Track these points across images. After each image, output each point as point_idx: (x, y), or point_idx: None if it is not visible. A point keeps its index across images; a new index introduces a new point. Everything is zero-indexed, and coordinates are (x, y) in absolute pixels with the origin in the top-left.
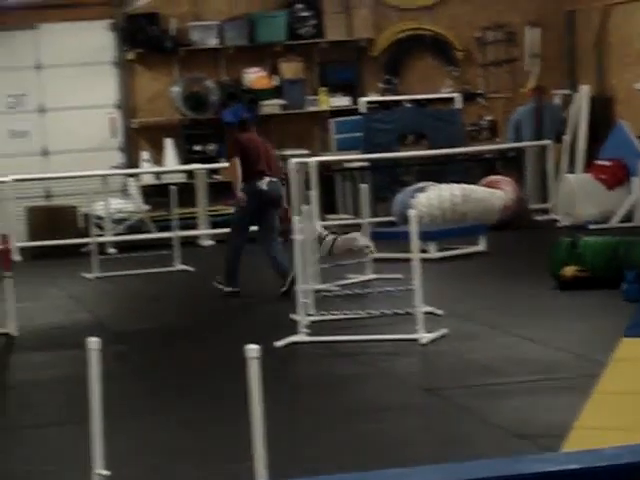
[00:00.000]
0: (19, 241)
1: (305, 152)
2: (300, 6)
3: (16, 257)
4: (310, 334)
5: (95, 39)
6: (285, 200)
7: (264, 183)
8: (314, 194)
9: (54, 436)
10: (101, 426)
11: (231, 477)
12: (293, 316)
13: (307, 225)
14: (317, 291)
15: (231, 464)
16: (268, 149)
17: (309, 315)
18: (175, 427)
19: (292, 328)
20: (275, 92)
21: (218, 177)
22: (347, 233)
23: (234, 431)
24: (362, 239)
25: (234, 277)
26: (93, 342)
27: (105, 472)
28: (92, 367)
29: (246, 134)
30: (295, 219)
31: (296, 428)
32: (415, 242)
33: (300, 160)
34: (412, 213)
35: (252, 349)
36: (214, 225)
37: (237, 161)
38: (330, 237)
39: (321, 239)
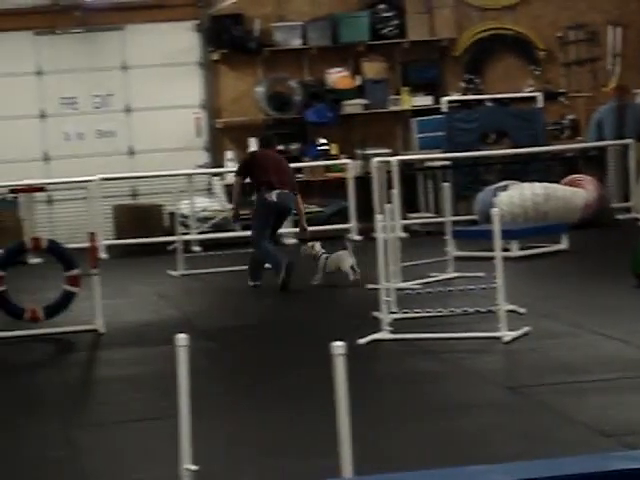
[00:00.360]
0: (106, 239)
1: (387, 151)
2: (383, 6)
3: (103, 255)
4: (393, 332)
5: (180, 40)
6: (298, 210)
7: (273, 195)
8: (396, 193)
9: (143, 431)
10: (189, 422)
11: (317, 472)
12: (376, 314)
13: (389, 223)
14: (399, 289)
15: (317, 459)
16: (282, 164)
17: (392, 313)
18: (262, 423)
19: (375, 326)
20: (357, 92)
21: (301, 176)
22: (337, 251)
23: (319, 427)
24: (348, 259)
25: (278, 260)
26: (182, 339)
27: (193, 467)
28: (180, 363)
29: (262, 151)
30: (378, 217)
31: (380, 424)
32: (498, 240)
33: (382, 159)
34: (495, 212)
35: (338, 346)
36: (296, 223)
37: (238, 180)
38: (323, 256)
39: (316, 258)
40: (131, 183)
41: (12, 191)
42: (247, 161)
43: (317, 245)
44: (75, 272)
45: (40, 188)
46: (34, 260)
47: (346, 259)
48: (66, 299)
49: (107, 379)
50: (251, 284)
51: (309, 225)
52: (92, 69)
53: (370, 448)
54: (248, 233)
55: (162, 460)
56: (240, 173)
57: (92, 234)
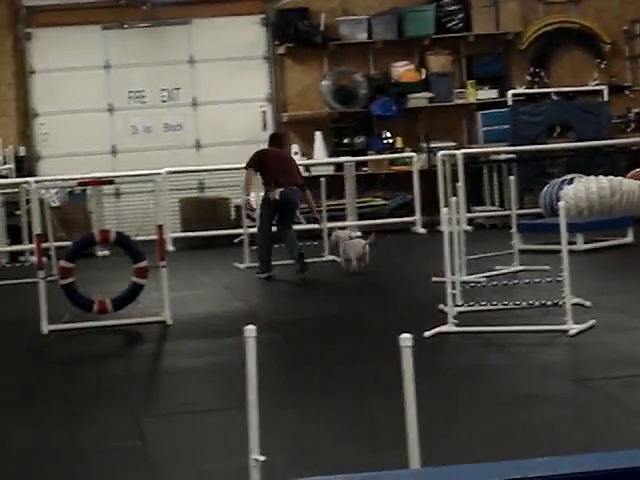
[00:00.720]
0: (173, 232)
1: (452, 144)
2: (448, 0)
3: (170, 247)
4: (458, 324)
5: (247, 34)
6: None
7: (276, 193)
8: (461, 186)
9: (210, 422)
10: (257, 413)
11: (384, 462)
12: (441, 307)
13: (454, 217)
14: (465, 282)
15: (384, 450)
16: (290, 164)
17: (457, 306)
18: (328, 414)
19: (440, 318)
20: (423, 85)
21: (366, 169)
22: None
23: (386, 419)
24: (359, 248)
25: (267, 264)
26: (250, 330)
27: (261, 458)
28: (249, 355)
29: (273, 150)
30: (443, 210)
31: (446, 416)
32: (564, 234)
33: (447, 152)
34: (561, 205)
35: (406, 338)
36: (362, 216)
37: (251, 172)
38: (343, 242)
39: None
40: (198, 176)
41: (80, 184)
42: (260, 156)
43: (342, 232)
44: (143, 264)
45: (108, 181)
46: (102, 252)
47: (356, 247)
48: (134, 291)
49: (174, 370)
50: (263, 277)
51: (374, 218)
52: (159, 63)
53: (437, 439)
54: (313, 226)
55: (229, 450)
56: (252, 165)
57: (160, 227)
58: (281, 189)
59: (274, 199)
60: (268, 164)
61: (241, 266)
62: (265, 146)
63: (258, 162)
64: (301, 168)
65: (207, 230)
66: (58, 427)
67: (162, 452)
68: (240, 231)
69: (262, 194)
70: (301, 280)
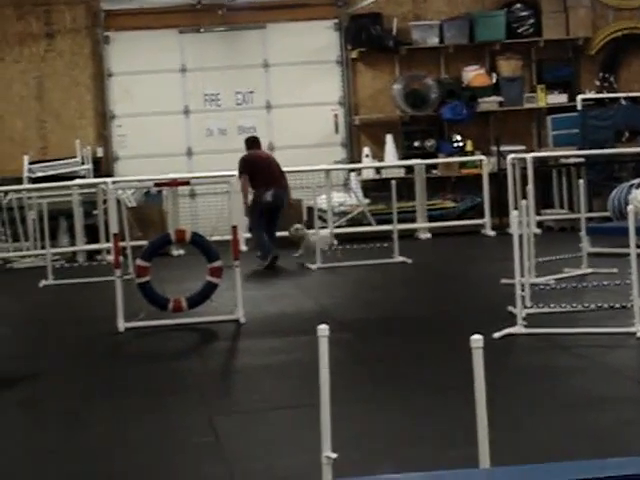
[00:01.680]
0: (246, 232)
1: (522, 148)
2: (519, 6)
3: (243, 247)
4: (527, 326)
5: (320, 38)
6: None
7: (269, 195)
8: (531, 189)
9: (283, 419)
10: (330, 411)
11: (454, 462)
12: (510, 308)
13: (524, 219)
14: (534, 284)
15: (454, 450)
16: (273, 164)
17: (526, 308)
18: (399, 413)
19: (509, 320)
20: (493, 89)
21: (436, 172)
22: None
23: (456, 418)
24: (327, 239)
25: (267, 250)
26: (322, 329)
27: (333, 455)
28: (322, 353)
29: (253, 152)
30: (513, 213)
31: (515, 417)
32: (632, 237)
33: (517, 156)
34: (630, 208)
35: (476, 339)
36: (431, 218)
37: (246, 178)
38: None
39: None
40: None
41: (157, 185)
42: (250, 161)
43: (299, 226)
44: (217, 264)
45: (185, 182)
46: (177, 252)
47: (325, 238)
48: (208, 290)
49: (248, 368)
50: (267, 263)
51: (443, 220)
52: (234, 66)
53: (506, 439)
54: (383, 227)
55: (302, 447)
56: (245, 172)
57: (234, 227)
58: (272, 191)
59: (266, 201)
60: (258, 168)
61: (312, 266)
62: (341, 148)
63: (250, 167)
64: (372, 171)
65: (279, 231)
66: (134, 423)
67: (236, 448)
68: (312, 232)
69: (252, 197)
70: (371, 281)
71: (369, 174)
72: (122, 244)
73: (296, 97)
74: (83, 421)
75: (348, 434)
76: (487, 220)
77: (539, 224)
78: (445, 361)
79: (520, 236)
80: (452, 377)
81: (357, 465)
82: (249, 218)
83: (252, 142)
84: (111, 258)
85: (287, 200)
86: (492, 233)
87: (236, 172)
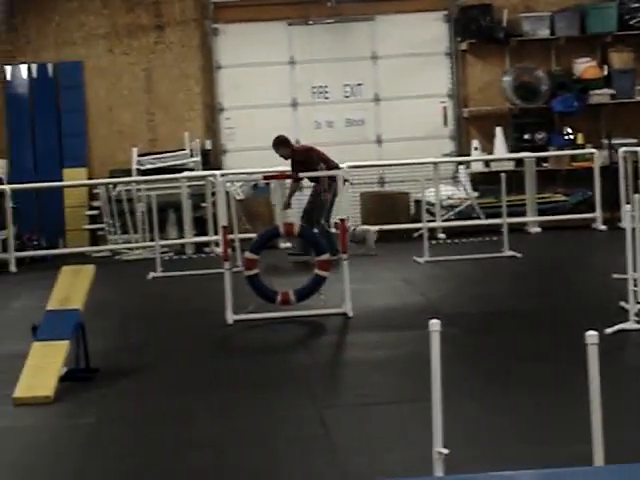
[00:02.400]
0: (354, 226)
1: (634, 141)
2: None
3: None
4: None
5: (429, 30)
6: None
7: (333, 188)
8: None
9: (391, 414)
10: (441, 406)
11: (568, 459)
12: (622, 304)
13: (637, 214)
14: None
15: (566, 448)
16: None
17: (639, 303)
18: (509, 410)
19: (621, 316)
20: (605, 82)
21: (547, 165)
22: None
23: (568, 415)
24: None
25: (306, 249)
26: (434, 324)
27: (445, 450)
28: (433, 348)
29: (302, 146)
30: (625, 207)
31: (630, 414)
32: None
33: (629, 149)
34: None
35: (592, 335)
36: (541, 212)
37: (296, 176)
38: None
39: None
40: (378, 171)
41: (266, 178)
42: (304, 159)
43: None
44: (325, 257)
45: (293, 175)
46: (285, 244)
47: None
48: (316, 283)
49: (356, 361)
50: (304, 259)
51: (554, 214)
52: (342, 59)
53: (619, 437)
54: (493, 221)
55: (411, 442)
56: (297, 169)
57: (342, 220)
58: (333, 183)
59: (333, 194)
60: (317, 161)
61: (420, 260)
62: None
63: (303, 165)
64: (481, 163)
65: (387, 224)
66: (243, 414)
67: (345, 442)
68: (420, 225)
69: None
70: (479, 276)
71: (478, 167)
72: (231, 237)
73: (404, 89)
74: (192, 413)
75: (457, 430)
76: (598, 214)
77: None
78: (556, 357)
79: (633, 230)
80: (563, 373)
81: (467, 461)
82: (315, 216)
83: (283, 142)
84: (219, 250)
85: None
86: (603, 227)
87: (343, 165)
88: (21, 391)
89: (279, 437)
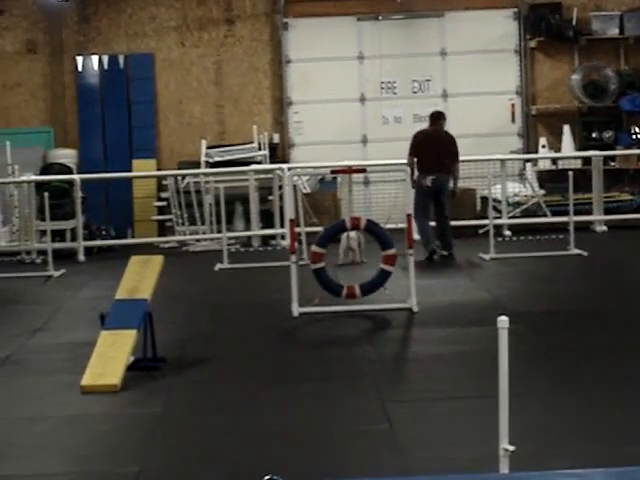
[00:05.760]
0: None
1: None
2: None
3: (416, 236)
4: None
5: (498, 27)
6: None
7: (428, 180)
8: None
9: (457, 409)
10: (507, 402)
11: (630, 459)
12: None
13: None
14: None
15: (631, 446)
16: (442, 145)
17: None
18: (576, 408)
19: None
20: None
21: (614, 164)
22: None
23: (635, 414)
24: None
25: (427, 240)
26: (503, 321)
27: (511, 447)
28: (501, 345)
29: (425, 130)
30: None
31: None
32: None
33: None
34: None
35: None
36: (608, 211)
37: (412, 159)
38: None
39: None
40: None
41: (333, 172)
42: (416, 142)
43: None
44: (391, 252)
45: (361, 170)
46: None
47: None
48: (382, 277)
49: (420, 357)
50: (428, 253)
51: (620, 213)
52: (411, 54)
53: None
54: (559, 219)
55: (476, 438)
56: (411, 154)
57: (409, 215)
58: (433, 176)
59: (426, 186)
60: (423, 149)
61: (486, 256)
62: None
63: (415, 148)
64: (548, 161)
65: (454, 220)
66: (308, 407)
67: (409, 437)
68: (486, 222)
69: (415, 178)
70: (544, 273)
71: (545, 165)
72: (297, 230)
73: (473, 86)
74: (258, 405)
75: (524, 427)
76: None
77: None
78: (623, 356)
79: None
80: (631, 372)
81: (533, 459)
82: (414, 208)
83: (434, 118)
84: (286, 243)
85: (450, 187)
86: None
87: None
88: (89, 379)
89: (344, 430)
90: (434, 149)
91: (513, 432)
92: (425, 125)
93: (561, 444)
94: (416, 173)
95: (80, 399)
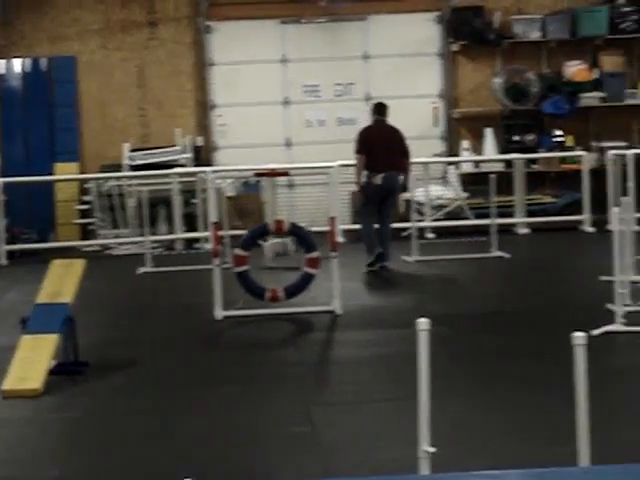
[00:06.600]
0: (343, 224)
1: (623, 144)
2: (622, 1)
3: (340, 239)
4: (626, 324)
5: (421, 31)
6: (401, 189)
7: (379, 178)
8: (631, 186)
9: (378, 412)
10: (428, 404)
11: (553, 459)
12: (609, 306)
13: (625, 217)
14: (634, 282)
15: (552, 447)
16: (393, 141)
17: (625, 305)
18: (497, 410)
19: (607, 318)
20: (595, 85)
21: (536, 167)
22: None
23: (554, 415)
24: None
25: (370, 246)
26: (423, 323)
27: (431, 449)
28: (421, 347)
29: (373, 125)
30: (614, 210)
31: (615, 415)
32: None
33: (618, 152)
34: None
35: (579, 337)
36: (530, 213)
37: (362, 158)
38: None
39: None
40: None
41: (257, 175)
42: (365, 139)
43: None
44: (315, 254)
45: (284, 173)
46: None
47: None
48: (305, 280)
49: (344, 359)
50: (370, 261)
51: (542, 215)
52: (334, 58)
53: (604, 438)
54: (481, 222)
55: (398, 440)
56: (361, 151)
57: (332, 218)
58: (383, 174)
59: (377, 184)
60: (371, 147)
61: (409, 259)
62: (440, 141)
63: (363, 146)
64: (470, 164)
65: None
66: (231, 411)
67: (331, 439)
68: (409, 224)
69: (364, 179)
70: (467, 275)
71: (468, 168)
72: (221, 233)
73: (396, 89)
74: (180, 408)
75: (445, 429)
76: (586, 216)
77: (639, 221)
78: (542, 357)
79: (620, 233)
80: (550, 374)
81: (455, 460)
82: (360, 208)
83: (379, 111)
84: (209, 247)
85: (402, 185)
86: (591, 230)
87: (334, 163)
88: (10, 384)
89: (267, 434)
90: (383, 146)
91: (435, 434)
92: (349, 128)
93: (483, 445)
94: (364, 172)
95: (1, 404)
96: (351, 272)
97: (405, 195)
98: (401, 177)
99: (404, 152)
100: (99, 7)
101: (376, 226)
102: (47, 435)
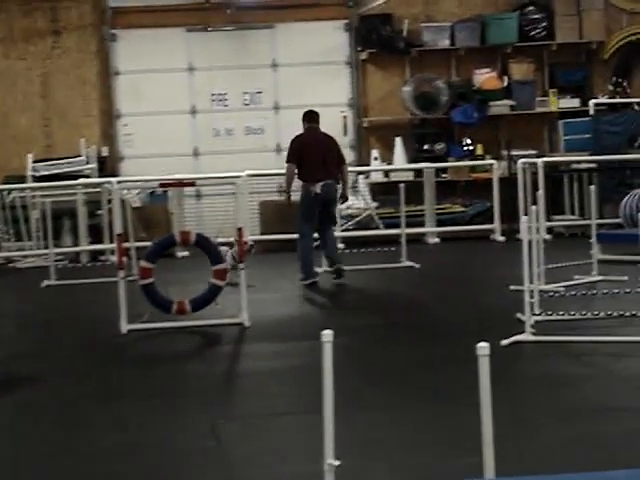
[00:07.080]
0: (252, 234)
1: (533, 152)
2: (532, 8)
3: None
4: (535, 334)
5: (329, 39)
6: (343, 198)
7: (317, 187)
8: (541, 194)
9: (286, 425)
10: (333, 417)
11: (456, 472)
12: (519, 315)
13: (534, 225)
14: (543, 291)
15: (456, 459)
16: (327, 150)
17: (535, 315)
18: (403, 421)
19: (517, 327)
20: (504, 93)
21: (446, 176)
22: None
23: (459, 426)
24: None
25: (309, 269)
26: (327, 334)
27: (336, 462)
28: (325, 359)
29: (306, 134)
30: (523, 219)
31: (521, 425)
32: None
33: (528, 160)
34: None
35: (483, 347)
36: (440, 223)
37: (293, 167)
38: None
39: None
40: (277, 180)
41: (162, 185)
42: (298, 147)
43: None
44: (222, 266)
45: (190, 183)
46: (182, 253)
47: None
48: (212, 292)
49: (251, 372)
50: (306, 283)
51: (452, 224)
52: (242, 66)
53: (512, 449)
54: (391, 231)
55: (304, 454)
56: (292, 160)
57: (240, 229)
58: (321, 183)
59: (315, 193)
60: (307, 155)
61: (319, 270)
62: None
63: (298, 154)
64: (380, 174)
65: (286, 233)
66: (136, 426)
67: (238, 454)
68: (316, 235)
69: (301, 188)
70: (378, 286)
71: (378, 177)
72: (126, 245)
73: (305, 98)
74: (83, 424)
75: (351, 441)
76: (497, 225)
77: (549, 230)
78: (451, 368)
79: (530, 242)
80: (457, 384)
81: (361, 473)
82: (297, 221)
83: (310, 118)
84: (115, 259)
85: (342, 195)
86: (502, 239)
87: (242, 173)
88: None
89: (171, 448)
90: (318, 155)
91: (340, 447)
92: (257, 137)
93: (390, 458)
94: (295, 184)
95: None
96: (260, 284)
97: (347, 204)
98: (339, 185)
99: (340, 159)
100: (1, 15)
101: (316, 235)
102: None
